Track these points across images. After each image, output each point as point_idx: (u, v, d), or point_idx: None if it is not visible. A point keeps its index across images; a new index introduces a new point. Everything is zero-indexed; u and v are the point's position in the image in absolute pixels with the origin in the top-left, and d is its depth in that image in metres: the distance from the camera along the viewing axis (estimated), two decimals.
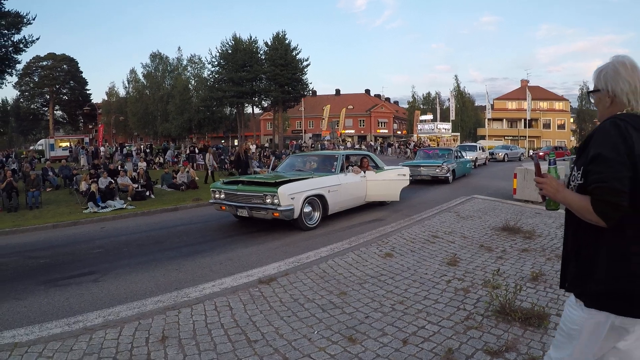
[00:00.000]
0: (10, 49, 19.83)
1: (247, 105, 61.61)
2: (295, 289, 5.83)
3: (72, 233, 11.59)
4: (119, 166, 21.93)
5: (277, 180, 9.98)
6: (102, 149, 35.11)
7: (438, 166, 19.52)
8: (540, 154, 39.03)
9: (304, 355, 4.03)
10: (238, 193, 10.47)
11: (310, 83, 63.47)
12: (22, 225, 12.48)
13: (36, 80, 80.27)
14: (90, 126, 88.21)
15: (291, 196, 9.64)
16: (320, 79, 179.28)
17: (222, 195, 10.87)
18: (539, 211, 11.38)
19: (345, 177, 11.60)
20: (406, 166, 19.55)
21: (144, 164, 25.32)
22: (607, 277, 2.13)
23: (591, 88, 2.48)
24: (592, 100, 2.46)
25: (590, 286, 2.19)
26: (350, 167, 12.29)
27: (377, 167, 13.37)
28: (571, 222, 2.35)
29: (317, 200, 10.54)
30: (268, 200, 9.71)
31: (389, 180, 12.98)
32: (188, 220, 12.14)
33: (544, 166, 2.67)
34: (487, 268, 6.51)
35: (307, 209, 10.35)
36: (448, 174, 19.56)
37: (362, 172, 12.38)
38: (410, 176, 18.53)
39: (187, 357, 4.04)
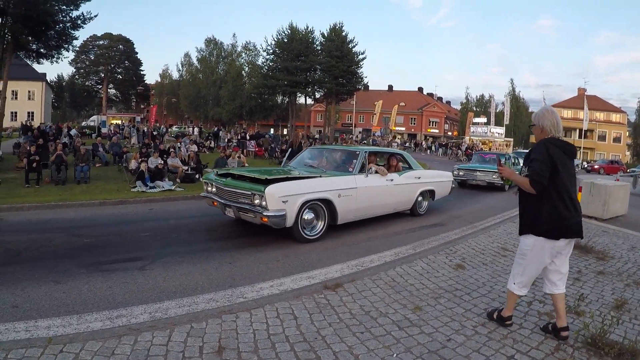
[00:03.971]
0: (68, 24, 19.84)
1: (299, 95, 61.09)
2: (365, 299, 5.14)
3: (120, 212, 11.18)
4: (171, 147, 21.66)
5: (267, 177, 8.11)
6: (145, 129, 34.76)
7: (495, 172, 18.46)
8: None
9: None
10: (225, 188, 8.64)
11: (365, 77, 62.32)
12: (69, 200, 12.14)
13: (92, 58, 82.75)
14: (142, 106, 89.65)
15: (283, 199, 7.64)
16: (373, 74, 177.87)
17: (214, 189, 9.11)
18: (606, 229, 10.54)
19: (364, 180, 9.36)
20: (462, 169, 19.03)
21: (195, 147, 25.03)
22: (548, 221, 4.09)
23: None
24: (532, 130, 4.47)
25: (540, 226, 4.15)
26: (373, 167, 9.98)
27: (410, 169, 11.44)
28: (522, 193, 4.32)
29: (322, 206, 8.47)
30: (256, 201, 7.80)
31: (405, 185, 10.79)
32: None
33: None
34: (566, 290, 5.74)
35: (308, 216, 8.36)
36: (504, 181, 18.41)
37: (390, 173, 10.34)
38: (457, 180, 17.51)
39: None
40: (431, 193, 11.90)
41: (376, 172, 9.94)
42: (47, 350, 3.63)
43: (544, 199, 4.08)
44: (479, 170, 18.83)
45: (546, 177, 3.98)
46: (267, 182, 7.88)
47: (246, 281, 5.85)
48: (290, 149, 15.59)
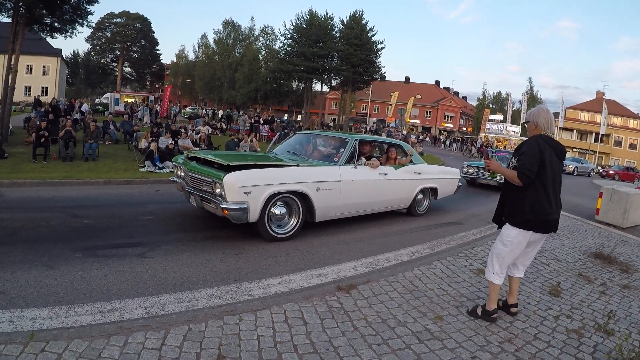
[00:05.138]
0: None
1: (315, 81, 60.29)
2: (382, 304, 4.68)
3: (124, 192, 10.80)
4: (182, 128, 21.34)
5: (230, 163, 6.86)
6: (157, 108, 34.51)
7: None
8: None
9: None
10: (188, 173, 7.59)
11: (383, 67, 61.38)
12: (73, 177, 11.79)
13: (108, 35, 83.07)
14: (157, 85, 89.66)
15: (245, 189, 6.49)
16: (390, 64, 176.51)
17: (183, 173, 7.96)
18: (626, 239, 10.06)
19: (351, 172, 8.15)
20: (472, 167, 17.77)
21: (207, 128, 24.65)
22: (530, 212, 4.22)
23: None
24: (526, 127, 4.59)
25: (521, 216, 4.28)
26: (363, 159, 8.73)
27: (409, 162, 10.04)
28: (506, 184, 4.48)
29: (296, 200, 7.30)
30: (217, 190, 6.69)
31: (402, 180, 9.55)
32: None
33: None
34: (593, 305, 5.40)
35: (279, 211, 7.23)
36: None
37: (385, 167, 9.17)
38: (466, 178, 16.97)
39: None
40: (433, 191, 10.75)
41: (366, 164, 8.69)
42: (27, 349, 3.23)
43: (528, 191, 4.21)
44: None
45: (534, 171, 4.09)
46: (229, 169, 6.80)
47: (252, 276, 5.43)
48: (278, 134, 14.93)
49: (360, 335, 3.94)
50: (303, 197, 7.32)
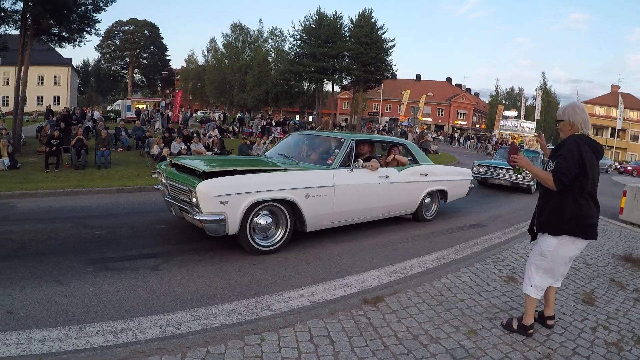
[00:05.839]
0: (90, 7, 19.49)
1: (326, 82, 60.12)
2: (412, 319, 4.37)
3: (137, 200, 10.57)
4: (195, 132, 21.26)
5: (205, 170, 6.27)
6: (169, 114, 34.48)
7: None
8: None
9: None
10: (167, 181, 7.02)
11: (395, 65, 60.95)
12: (85, 186, 11.61)
13: (117, 43, 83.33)
14: (167, 91, 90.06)
15: (221, 199, 5.83)
16: (400, 62, 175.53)
17: (165, 181, 7.26)
18: None
19: (347, 176, 7.37)
20: (482, 165, 16.73)
21: (216, 132, 24.45)
22: (570, 220, 3.86)
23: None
24: (558, 126, 4.14)
25: (560, 225, 3.90)
26: (360, 160, 7.89)
27: (415, 163, 9.28)
28: (543, 190, 4.08)
29: (282, 209, 6.59)
30: (194, 200, 6.03)
31: (406, 184, 8.74)
32: None
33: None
34: (629, 314, 5.04)
35: (264, 221, 6.50)
36: (532, 183, 15.51)
37: (387, 169, 8.42)
38: (477, 178, 15.77)
39: None
40: (442, 193, 9.95)
41: (364, 166, 7.89)
42: None
43: (569, 198, 3.85)
44: (502, 168, 15.98)
45: (571, 177, 3.74)
46: (206, 176, 6.18)
47: (272, 288, 5.15)
48: (272, 137, 14.68)
49: (392, 355, 3.64)
50: (290, 205, 6.66)
